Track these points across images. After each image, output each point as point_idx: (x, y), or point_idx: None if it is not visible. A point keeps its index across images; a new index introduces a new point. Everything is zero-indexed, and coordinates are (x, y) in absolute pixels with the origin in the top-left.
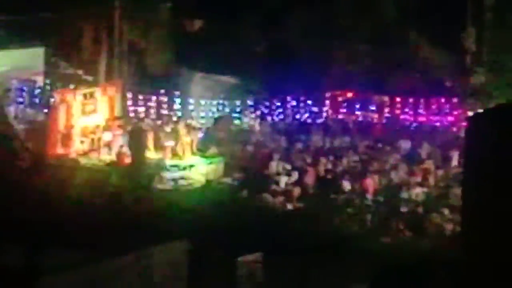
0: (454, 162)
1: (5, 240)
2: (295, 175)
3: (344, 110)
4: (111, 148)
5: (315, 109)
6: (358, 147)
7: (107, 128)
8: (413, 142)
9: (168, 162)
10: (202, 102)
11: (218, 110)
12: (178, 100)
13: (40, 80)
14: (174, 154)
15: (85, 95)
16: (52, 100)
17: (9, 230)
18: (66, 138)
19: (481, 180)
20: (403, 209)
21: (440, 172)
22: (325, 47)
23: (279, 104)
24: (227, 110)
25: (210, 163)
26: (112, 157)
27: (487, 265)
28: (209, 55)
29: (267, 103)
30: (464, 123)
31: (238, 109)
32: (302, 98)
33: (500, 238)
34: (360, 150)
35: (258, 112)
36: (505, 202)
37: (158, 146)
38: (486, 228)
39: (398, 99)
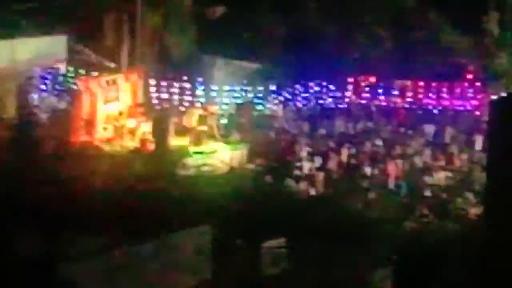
0: (478, 146)
1: (28, 228)
2: (318, 161)
3: (367, 95)
4: (135, 135)
5: (337, 94)
6: (381, 132)
7: (130, 115)
8: (436, 126)
9: (192, 148)
10: (225, 88)
11: (240, 96)
12: (200, 87)
13: (62, 67)
14: (197, 140)
15: (107, 82)
16: (75, 87)
17: (32, 218)
18: (89, 125)
19: (505, 163)
20: (427, 193)
21: (464, 156)
22: (347, 32)
23: (301, 89)
24: (249, 96)
25: (233, 149)
26: (136, 144)
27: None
28: (231, 41)
29: (290, 89)
30: (487, 107)
31: (260, 95)
32: (324, 84)
33: None
34: (383, 135)
35: (281, 98)
36: None
37: (181, 133)
38: (510, 211)
39: (421, 84)
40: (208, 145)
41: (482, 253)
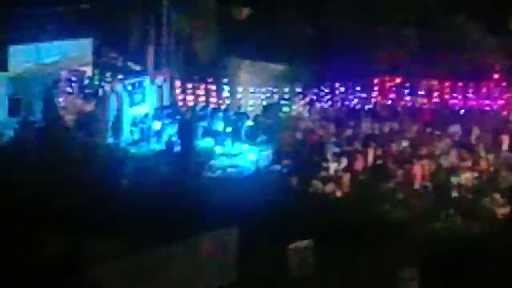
0: (505, 146)
1: (54, 231)
2: (345, 162)
3: (393, 96)
4: (161, 137)
5: (363, 95)
6: (408, 133)
7: (156, 117)
8: (462, 126)
9: (218, 150)
10: (251, 89)
11: (266, 97)
12: (226, 88)
13: (89, 70)
14: (224, 142)
15: (133, 85)
16: (101, 90)
17: (60, 220)
18: (116, 128)
19: None
20: (454, 194)
21: (491, 157)
22: (372, 32)
23: (327, 90)
24: (275, 97)
25: (260, 150)
26: (162, 146)
27: None
28: (257, 43)
29: (316, 90)
30: None
31: (286, 96)
32: (350, 84)
33: None
34: (410, 135)
35: (307, 99)
36: None
37: (207, 134)
38: None
39: (447, 84)
40: (234, 147)
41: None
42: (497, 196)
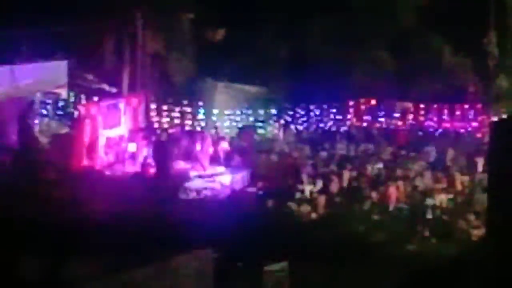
0: (479, 168)
1: (29, 252)
2: (320, 184)
3: (368, 118)
4: (136, 159)
5: (338, 117)
6: (383, 155)
7: (131, 139)
8: (437, 148)
9: (192, 172)
10: (226, 111)
11: (241, 119)
12: (201, 110)
13: (64, 92)
14: (198, 164)
15: (108, 107)
16: (76, 112)
17: (33, 242)
18: (91, 150)
19: (506, 185)
20: (429, 216)
21: (465, 178)
22: (347, 55)
23: (302, 112)
24: (250, 119)
25: (235, 172)
26: (137, 168)
27: None
28: (232, 65)
29: (291, 112)
30: (488, 129)
31: (261, 118)
32: (325, 107)
33: None
34: (385, 157)
35: (282, 121)
36: None
37: (182, 157)
38: None
39: (421, 106)
40: (209, 169)
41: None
42: (472, 217)
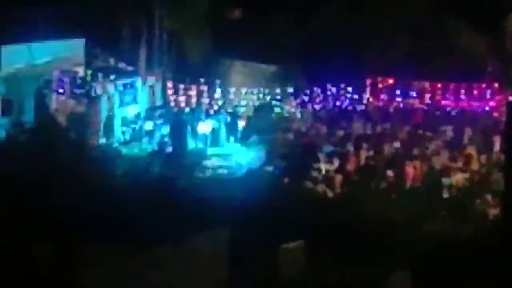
0: (496, 147)
1: (46, 232)
2: (336, 163)
3: (385, 97)
4: (152, 138)
5: (355, 96)
6: (399, 134)
7: (148, 117)
8: (454, 128)
9: (209, 151)
10: (243, 90)
11: (258, 98)
12: (218, 89)
13: (81, 71)
14: (216, 143)
15: (125, 85)
16: (92, 90)
17: (50, 222)
18: (108, 128)
19: None
20: (445, 195)
21: (482, 158)
22: (364, 33)
23: (319, 91)
24: (267, 98)
25: (252, 151)
26: (154, 146)
27: None
28: (249, 44)
29: (308, 91)
30: (505, 108)
31: (278, 97)
32: (342, 86)
33: None
34: (401, 136)
35: (299, 100)
36: None
37: (199, 135)
38: None
39: (439, 85)
40: (226, 148)
41: (501, 255)
42: (489, 197)
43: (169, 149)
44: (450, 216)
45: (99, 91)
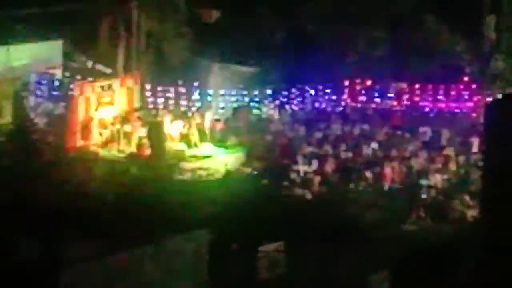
0: (474, 148)
1: (25, 233)
2: (315, 164)
3: (363, 98)
4: (131, 140)
5: (333, 97)
6: (378, 135)
7: (126, 119)
8: (432, 129)
9: (188, 152)
10: (221, 92)
11: (237, 100)
12: (196, 91)
13: (58, 73)
14: (194, 145)
15: (103, 87)
16: (70, 92)
17: (29, 223)
18: (85, 130)
19: (501, 165)
20: (424, 196)
21: (461, 159)
22: (342, 34)
23: (297, 93)
24: (246, 100)
25: (230, 153)
26: (132, 148)
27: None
28: (227, 45)
29: (286, 92)
30: (483, 109)
31: (257, 99)
32: (320, 87)
33: None
34: (380, 137)
35: (277, 102)
36: None
37: (177, 137)
38: (507, 213)
39: (417, 86)
40: (204, 149)
41: (479, 255)
42: (467, 197)
43: (147, 151)
44: (429, 216)
45: (76, 93)
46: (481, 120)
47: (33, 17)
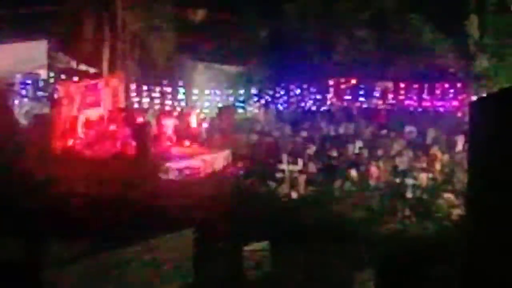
0: (459, 147)
1: (11, 234)
2: (300, 163)
3: (348, 97)
4: (116, 139)
5: (319, 96)
6: (363, 134)
7: (111, 120)
8: (417, 127)
9: (173, 152)
10: (206, 92)
11: (222, 99)
12: (181, 91)
13: (43, 73)
14: (179, 144)
15: (88, 87)
16: (55, 93)
17: (16, 224)
18: (71, 131)
19: (486, 164)
20: (409, 195)
21: (445, 157)
22: (327, 34)
23: (282, 92)
24: (231, 99)
25: (215, 152)
26: (117, 148)
27: (492, 249)
28: (212, 45)
29: (271, 92)
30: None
31: (242, 98)
32: (305, 86)
33: (506, 221)
34: (365, 136)
35: (262, 101)
36: (510, 185)
37: (163, 137)
38: (492, 212)
39: (402, 85)
40: (190, 149)
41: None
42: (452, 196)
43: (133, 151)
44: (414, 215)
45: (61, 93)
46: (466, 119)
47: (17, 17)
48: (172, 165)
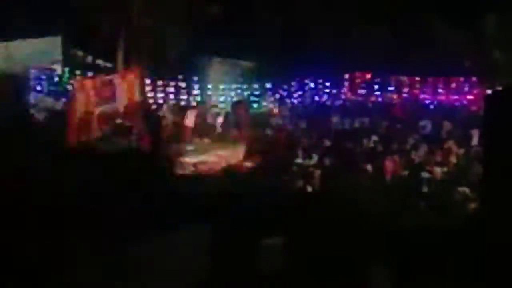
0: (474, 140)
1: (25, 230)
2: (315, 158)
3: (363, 91)
4: (131, 134)
5: (333, 91)
6: (378, 128)
7: (126, 114)
8: (433, 121)
9: (188, 147)
10: (221, 86)
11: (236, 94)
12: (196, 85)
13: (58, 68)
14: (194, 139)
15: (103, 82)
16: (70, 88)
17: (29, 219)
18: (86, 125)
19: (501, 157)
20: (424, 189)
21: (461, 151)
22: (342, 28)
23: (297, 87)
24: (245, 94)
25: (230, 147)
26: (132, 143)
27: (508, 242)
28: (227, 39)
29: (286, 86)
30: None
31: (256, 93)
32: (320, 81)
33: None
34: (380, 131)
35: (277, 96)
36: None
37: (178, 132)
38: (507, 205)
39: (417, 79)
40: (205, 144)
41: (480, 248)
42: (468, 190)
43: (148, 146)
44: (429, 209)
45: (77, 88)
46: (482, 112)
47: (32, 12)
48: (186, 160)
